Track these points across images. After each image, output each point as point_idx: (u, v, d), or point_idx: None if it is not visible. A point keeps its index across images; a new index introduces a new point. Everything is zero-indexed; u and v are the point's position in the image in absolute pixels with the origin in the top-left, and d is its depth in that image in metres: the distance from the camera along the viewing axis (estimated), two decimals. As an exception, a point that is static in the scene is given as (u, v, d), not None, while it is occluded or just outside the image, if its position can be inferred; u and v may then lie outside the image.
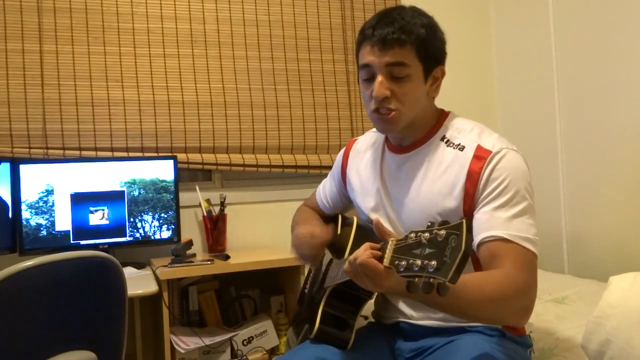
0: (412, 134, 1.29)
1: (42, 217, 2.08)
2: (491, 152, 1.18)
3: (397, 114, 1.21)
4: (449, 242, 0.82)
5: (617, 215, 2.22)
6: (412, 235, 0.89)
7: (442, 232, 0.84)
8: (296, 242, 1.43)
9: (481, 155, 1.18)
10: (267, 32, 2.54)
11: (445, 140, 1.26)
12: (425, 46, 1.20)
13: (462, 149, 1.22)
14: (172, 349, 1.94)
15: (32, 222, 2.07)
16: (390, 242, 0.94)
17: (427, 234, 0.86)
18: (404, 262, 0.87)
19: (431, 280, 0.82)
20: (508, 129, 2.84)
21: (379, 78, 1.20)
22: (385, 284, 0.97)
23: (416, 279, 0.85)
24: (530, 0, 2.64)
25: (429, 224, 0.88)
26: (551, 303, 1.84)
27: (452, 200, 1.19)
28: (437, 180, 1.22)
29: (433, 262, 0.82)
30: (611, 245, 2.24)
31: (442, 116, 1.31)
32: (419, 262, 0.84)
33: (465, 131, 1.25)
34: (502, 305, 1.07)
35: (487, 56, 2.93)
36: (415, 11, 1.24)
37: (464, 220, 0.83)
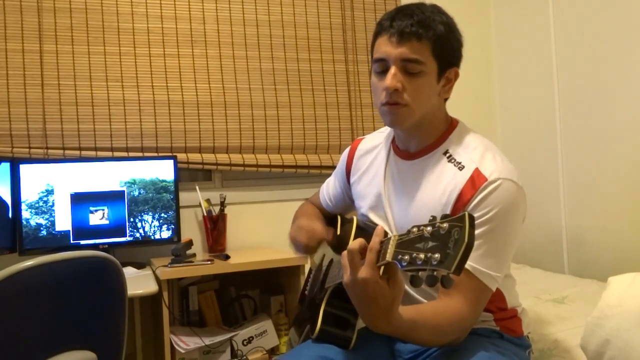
0: (420, 138, 1.28)
1: (42, 217, 2.08)
2: (486, 180, 1.16)
3: (407, 109, 1.20)
4: (452, 235, 0.82)
5: (617, 215, 2.22)
6: (415, 229, 0.89)
7: (445, 224, 0.84)
8: (295, 231, 1.42)
9: (475, 182, 1.17)
10: (267, 32, 2.54)
11: (447, 155, 1.25)
12: (442, 44, 1.20)
13: (461, 168, 1.21)
14: (172, 349, 1.94)
15: (32, 222, 2.07)
16: (392, 237, 0.94)
17: (429, 228, 0.86)
18: (407, 257, 0.88)
19: (435, 273, 0.82)
20: (508, 128, 2.84)
21: (392, 70, 1.18)
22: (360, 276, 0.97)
23: (419, 273, 0.85)
24: (530, 0, 2.64)
25: (431, 217, 0.89)
26: (551, 303, 1.84)
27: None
28: (433, 194, 1.22)
29: (436, 255, 0.82)
30: (611, 244, 2.24)
31: (450, 126, 1.30)
32: (422, 255, 0.84)
33: (468, 148, 1.24)
34: (444, 338, 1.13)
35: (487, 56, 2.93)
36: (436, 8, 1.24)
37: (466, 213, 0.83)
